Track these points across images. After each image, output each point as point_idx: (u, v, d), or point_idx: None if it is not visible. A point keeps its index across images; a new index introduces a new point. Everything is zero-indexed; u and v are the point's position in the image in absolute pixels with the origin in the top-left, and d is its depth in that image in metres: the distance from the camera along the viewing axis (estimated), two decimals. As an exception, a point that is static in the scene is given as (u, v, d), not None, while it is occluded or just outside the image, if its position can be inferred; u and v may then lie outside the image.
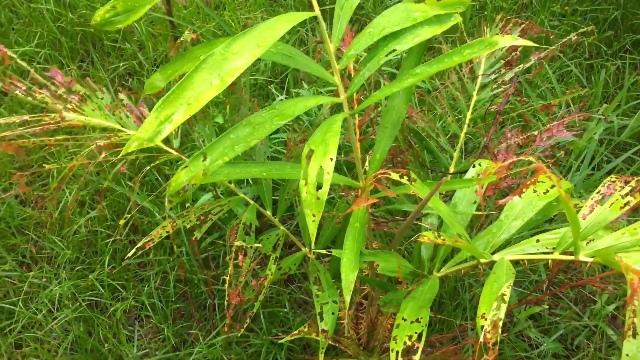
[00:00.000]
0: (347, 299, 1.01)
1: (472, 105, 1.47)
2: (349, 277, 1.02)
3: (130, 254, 1.14)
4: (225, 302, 1.08)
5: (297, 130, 2.08)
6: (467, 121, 1.47)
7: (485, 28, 1.49)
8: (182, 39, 1.33)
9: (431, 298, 1.12)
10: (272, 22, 0.99)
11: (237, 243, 1.13)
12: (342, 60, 1.10)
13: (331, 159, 0.92)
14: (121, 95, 1.14)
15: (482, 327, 0.86)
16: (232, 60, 0.94)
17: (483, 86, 1.47)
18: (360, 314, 1.69)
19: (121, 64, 2.43)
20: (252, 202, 1.29)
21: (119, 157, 0.88)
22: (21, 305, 1.82)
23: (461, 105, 1.47)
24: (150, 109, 1.22)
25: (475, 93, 1.47)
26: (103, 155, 1.04)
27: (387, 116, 1.22)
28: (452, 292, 1.82)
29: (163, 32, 2.53)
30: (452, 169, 1.50)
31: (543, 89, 2.34)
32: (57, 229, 2.07)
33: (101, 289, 1.84)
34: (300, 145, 1.34)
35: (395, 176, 1.03)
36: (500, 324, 0.84)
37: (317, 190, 0.91)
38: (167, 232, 1.14)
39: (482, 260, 1.15)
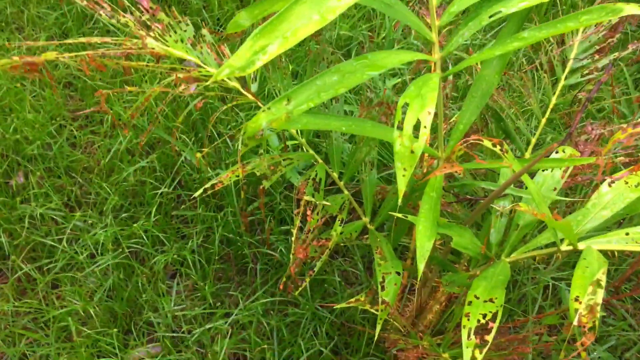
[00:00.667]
0: (421, 267, 0.95)
1: (558, 89, 1.39)
2: (424, 245, 0.96)
3: (198, 193, 1.09)
4: (291, 256, 1.03)
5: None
6: (551, 106, 1.39)
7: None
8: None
9: (504, 281, 1.05)
10: (379, -37, 0.92)
11: (307, 197, 1.07)
12: (442, 16, 1.03)
13: (429, 112, 0.86)
14: (203, 31, 1.09)
15: (576, 310, 0.80)
16: (335, -4, 0.88)
17: (572, 71, 1.39)
18: (408, 295, 1.63)
19: (188, 19, 2.38)
20: (320, 160, 1.23)
21: (208, 83, 0.82)
22: (65, 244, 1.80)
23: (547, 88, 1.39)
24: (230, 49, 1.17)
25: (563, 77, 1.39)
26: (182, 87, 0.99)
27: (477, 85, 1.15)
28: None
29: (229, -8, 2.48)
30: (527, 155, 1.42)
31: (617, 92, 2.23)
32: (104, 175, 2.05)
33: (145, 239, 1.81)
34: (376, 109, 1.28)
35: (487, 143, 0.96)
36: (598, 309, 0.77)
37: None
38: (237, 176, 1.09)
39: (563, 248, 1.08)
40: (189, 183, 2.00)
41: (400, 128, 0.87)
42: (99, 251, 1.83)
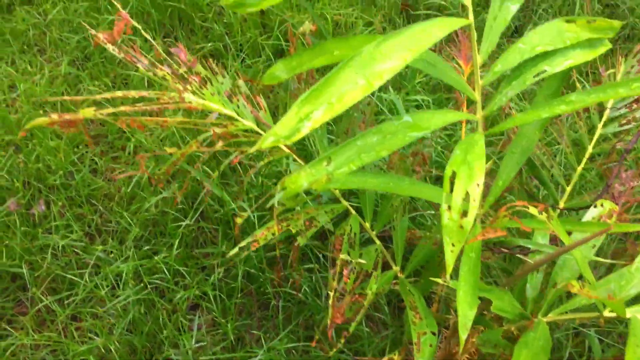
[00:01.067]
0: (463, 337, 0.92)
1: (594, 138, 1.36)
2: (467, 313, 0.93)
3: (233, 252, 1.07)
4: (328, 321, 1.00)
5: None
6: (587, 155, 1.36)
7: (620, 58, 1.38)
8: (301, 29, 1.26)
9: (545, 347, 1.02)
10: (426, 26, 0.90)
11: (342, 256, 1.05)
12: (486, 76, 1.01)
13: (478, 185, 0.83)
14: (240, 82, 1.07)
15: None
16: (380, 61, 0.86)
17: (610, 120, 1.36)
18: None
19: (208, 44, 2.38)
20: (353, 211, 1.21)
21: (251, 151, 0.80)
22: (87, 279, 1.79)
23: (582, 137, 1.36)
24: (265, 99, 1.15)
25: (600, 126, 1.36)
26: (220, 144, 0.97)
27: (517, 141, 1.12)
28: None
29: (252, 18, 2.47)
30: (562, 204, 1.39)
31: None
32: (124, 203, 2.03)
33: (166, 273, 1.79)
34: (408, 159, 1.25)
35: (534, 211, 0.93)
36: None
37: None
38: (273, 234, 1.07)
39: (606, 314, 1.05)
40: (209, 213, 1.98)
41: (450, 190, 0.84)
42: (120, 284, 1.81)
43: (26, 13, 2.53)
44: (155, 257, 1.83)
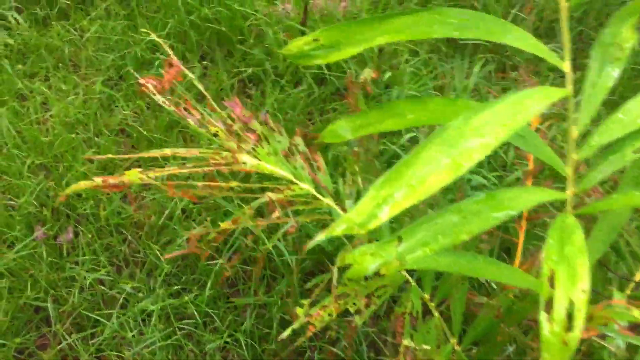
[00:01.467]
0: None
1: (679, 207, 1.23)
2: None
3: (286, 333, 0.97)
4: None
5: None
6: (669, 225, 1.23)
7: None
8: (363, 76, 1.15)
9: None
10: (522, 97, 0.78)
11: (405, 342, 0.94)
12: (582, 149, 0.89)
13: (583, 291, 0.71)
14: (297, 139, 0.97)
15: None
16: (469, 137, 0.75)
17: (698, 188, 1.23)
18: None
19: (248, 69, 2.28)
20: (413, 282, 1.09)
21: (321, 237, 0.69)
22: (114, 318, 1.69)
23: (666, 205, 1.23)
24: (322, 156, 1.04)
25: (685, 194, 1.23)
26: (276, 213, 0.87)
27: (606, 218, 1.00)
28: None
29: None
30: (638, 276, 1.26)
31: None
32: (155, 234, 1.94)
33: (197, 317, 1.69)
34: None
35: (637, 314, 0.81)
36: None
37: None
38: (330, 314, 0.96)
39: None
40: (242, 249, 1.88)
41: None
42: (147, 323, 1.71)
43: (62, 28, 2.46)
44: (185, 297, 1.73)
